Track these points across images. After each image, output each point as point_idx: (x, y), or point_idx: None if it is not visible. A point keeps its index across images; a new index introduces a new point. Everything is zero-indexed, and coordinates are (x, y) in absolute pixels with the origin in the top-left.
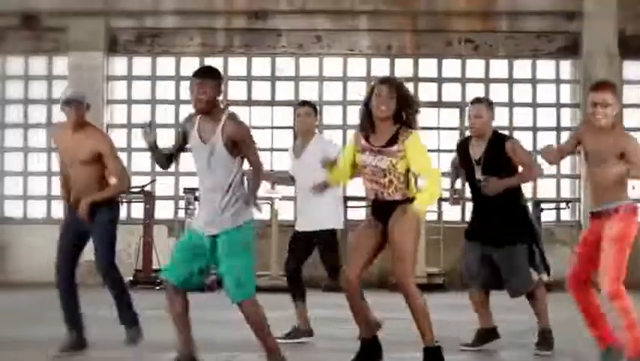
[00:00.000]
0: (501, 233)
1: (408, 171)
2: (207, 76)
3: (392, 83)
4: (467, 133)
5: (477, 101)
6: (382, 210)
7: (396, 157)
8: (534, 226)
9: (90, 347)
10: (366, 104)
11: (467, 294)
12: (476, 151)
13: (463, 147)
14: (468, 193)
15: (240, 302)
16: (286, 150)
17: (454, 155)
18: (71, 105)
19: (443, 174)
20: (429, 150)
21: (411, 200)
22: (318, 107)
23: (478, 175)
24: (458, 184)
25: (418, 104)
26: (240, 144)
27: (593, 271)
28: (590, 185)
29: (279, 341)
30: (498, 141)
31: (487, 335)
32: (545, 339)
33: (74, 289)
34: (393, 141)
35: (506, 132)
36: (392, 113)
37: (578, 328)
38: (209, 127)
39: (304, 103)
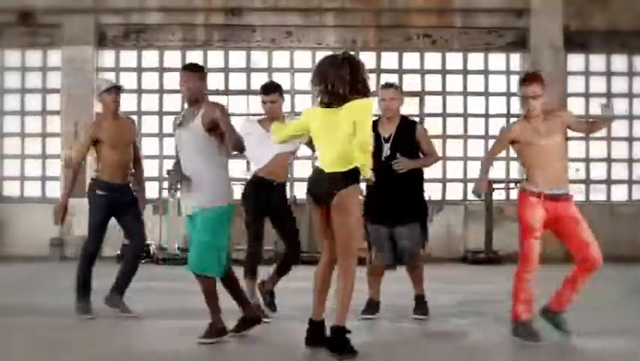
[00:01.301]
0: (403, 212)
1: None
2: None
3: None
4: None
5: (390, 85)
6: None
7: None
8: (427, 205)
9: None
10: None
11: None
12: (386, 130)
13: (372, 126)
14: None
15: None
16: None
17: None
18: (111, 92)
19: None
20: None
21: None
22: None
23: (386, 152)
24: None
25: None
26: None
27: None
28: (547, 169)
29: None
30: (409, 123)
31: (376, 306)
32: (421, 304)
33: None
34: None
35: (461, 119)
36: None
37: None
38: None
39: (269, 91)
